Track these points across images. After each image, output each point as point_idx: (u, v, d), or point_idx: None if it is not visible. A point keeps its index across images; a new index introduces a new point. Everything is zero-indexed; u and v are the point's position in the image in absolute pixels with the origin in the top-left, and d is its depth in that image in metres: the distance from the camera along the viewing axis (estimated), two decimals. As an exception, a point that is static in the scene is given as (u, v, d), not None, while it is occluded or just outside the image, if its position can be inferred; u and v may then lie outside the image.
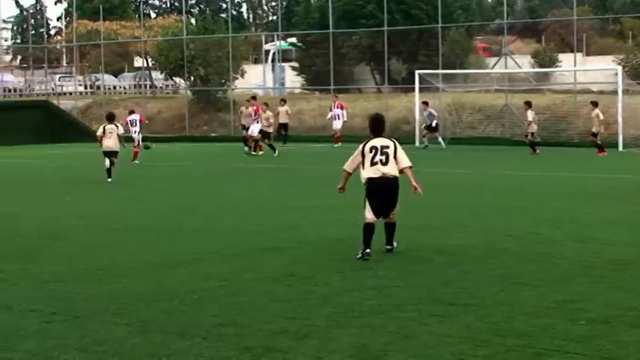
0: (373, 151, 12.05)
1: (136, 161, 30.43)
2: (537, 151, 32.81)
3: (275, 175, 25.93)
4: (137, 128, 33.16)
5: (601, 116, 32.77)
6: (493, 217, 15.91)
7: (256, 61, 68.84)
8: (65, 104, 54.18)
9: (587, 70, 47.55)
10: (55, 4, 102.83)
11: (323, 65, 52.21)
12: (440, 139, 37.42)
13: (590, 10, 72.99)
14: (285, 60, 65.11)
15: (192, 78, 51.90)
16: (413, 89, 40.43)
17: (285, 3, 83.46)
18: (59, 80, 66.41)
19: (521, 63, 46.53)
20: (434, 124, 37.43)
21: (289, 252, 12.56)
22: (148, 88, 64.09)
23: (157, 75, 62.47)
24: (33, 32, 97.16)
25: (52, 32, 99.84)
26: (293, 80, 62.38)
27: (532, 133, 33.58)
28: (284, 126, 39.89)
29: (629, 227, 14.62)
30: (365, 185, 12.10)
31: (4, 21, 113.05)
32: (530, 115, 33.50)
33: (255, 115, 33.50)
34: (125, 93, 64.09)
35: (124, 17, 79.97)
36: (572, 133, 38.64)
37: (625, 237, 13.61)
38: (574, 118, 39.21)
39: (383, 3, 46.47)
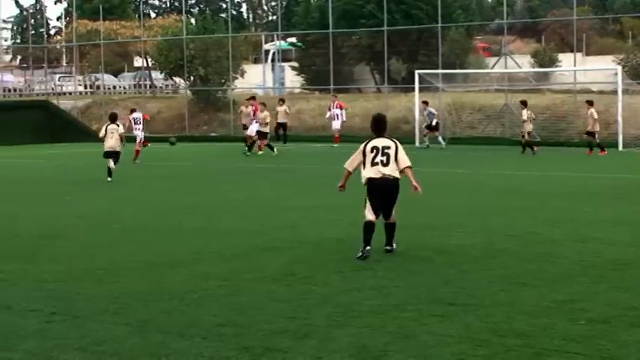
0: (374, 151, 12.05)
1: (137, 160, 30.44)
2: (536, 150, 32.76)
3: (275, 175, 25.93)
4: (141, 126, 33.17)
5: (595, 115, 32.91)
6: (493, 217, 15.91)
7: (256, 61, 68.86)
8: (65, 104, 54.18)
9: (586, 70, 47.57)
10: (55, 3, 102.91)
11: (323, 65, 52.22)
12: (440, 138, 37.43)
13: (590, 10, 73.00)
14: (284, 60, 65.12)
15: (192, 78, 51.92)
16: (413, 89, 40.43)
17: (284, 3, 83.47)
18: (59, 80, 66.45)
19: (521, 63, 46.53)
20: (434, 122, 37.45)
21: (289, 252, 12.56)
22: (148, 87, 64.10)
23: (156, 75, 62.51)
24: (33, 32, 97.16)
25: (52, 32, 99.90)
26: (293, 80, 62.40)
27: (528, 133, 33.64)
28: (282, 125, 39.83)
29: (629, 227, 14.62)
30: (365, 185, 12.11)
31: (4, 21, 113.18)
32: (525, 114, 33.61)
33: (253, 116, 33.54)
34: (125, 93, 64.12)
35: (123, 17, 79.96)
36: (571, 133, 38.63)
37: (625, 237, 13.60)
38: (574, 118, 39.20)
39: (383, 3, 46.48)
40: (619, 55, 49.43)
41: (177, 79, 58.10)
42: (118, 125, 24.43)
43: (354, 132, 39.97)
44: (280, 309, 9.08)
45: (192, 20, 66.74)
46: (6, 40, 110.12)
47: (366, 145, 12.18)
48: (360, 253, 11.77)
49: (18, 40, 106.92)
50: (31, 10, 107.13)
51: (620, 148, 34.48)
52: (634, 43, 56.69)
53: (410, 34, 54.98)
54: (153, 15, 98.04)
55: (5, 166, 30.98)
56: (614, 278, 10.52)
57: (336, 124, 39.80)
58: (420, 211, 15.62)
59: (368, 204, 12.08)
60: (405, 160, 12.11)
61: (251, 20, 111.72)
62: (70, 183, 24.10)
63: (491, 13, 79.50)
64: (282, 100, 41.00)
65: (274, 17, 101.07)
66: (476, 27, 62.58)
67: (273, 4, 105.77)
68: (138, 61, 70.72)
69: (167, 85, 65.12)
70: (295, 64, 63.99)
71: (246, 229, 14.85)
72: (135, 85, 67.31)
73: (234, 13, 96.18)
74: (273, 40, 67.28)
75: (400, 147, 12.19)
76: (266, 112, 33.79)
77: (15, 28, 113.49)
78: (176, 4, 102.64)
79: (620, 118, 34.85)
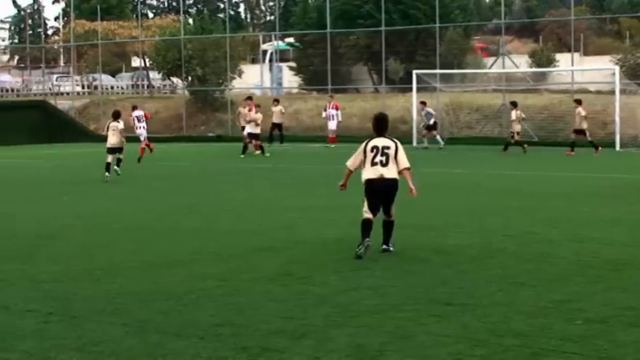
0: (374, 150, 12.09)
1: (140, 159, 30.53)
2: (526, 147, 33.17)
3: (272, 175, 25.93)
4: (143, 124, 33.13)
5: (582, 113, 33.05)
6: (490, 217, 15.91)
7: (254, 61, 68.81)
8: (62, 104, 54.13)
9: (584, 69, 47.58)
10: (53, 3, 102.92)
11: (320, 65, 52.19)
12: (438, 137, 37.46)
13: (587, 10, 73.01)
14: (282, 60, 65.08)
15: (189, 78, 51.89)
16: (410, 89, 40.45)
17: (282, 3, 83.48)
18: (56, 80, 66.41)
19: (518, 63, 46.55)
20: (431, 122, 37.47)
21: (286, 252, 12.56)
22: (146, 88, 64.06)
23: (154, 75, 62.46)
24: (30, 32, 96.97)
25: (50, 32, 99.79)
26: (290, 80, 62.36)
27: (517, 133, 33.96)
28: (278, 126, 39.73)
29: (627, 227, 14.63)
30: (364, 185, 12.14)
31: (2, 21, 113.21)
32: (514, 114, 33.94)
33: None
34: (123, 93, 64.06)
35: (121, 17, 79.89)
36: (569, 133, 38.51)
37: (622, 237, 13.61)
38: (571, 118, 39.14)
39: (380, 3, 46.49)
40: (616, 55, 49.39)
41: (174, 79, 58.07)
42: (119, 122, 24.60)
43: (352, 132, 39.99)
44: (278, 309, 9.08)
45: (190, 20, 66.72)
46: (3, 40, 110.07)
47: (366, 144, 12.21)
48: (361, 246, 11.76)
49: (15, 40, 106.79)
50: (28, 10, 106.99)
51: (618, 148, 34.52)
52: (631, 43, 56.66)
53: (407, 34, 54.97)
54: (150, 15, 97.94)
55: (3, 167, 30.98)
56: (612, 278, 10.53)
57: (332, 125, 39.74)
58: (418, 211, 15.63)
59: (366, 203, 12.13)
60: (404, 162, 12.12)
61: (249, 20, 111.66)
62: (67, 183, 24.10)
63: (489, 13, 79.48)
64: (276, 101, 40.84)
65: (272, 17, 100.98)
66: (474, 27, 62.53)
67: (271, 4, 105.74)
68: (135, 61, 70.71)
69: (165, 86, 65.09)
70: (293, 64, 63.96)
71: (243, 229, 14.85)
72: (132, 85, 67.27)
73: (232, 13, 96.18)
74: (270, 40, 67.28)
75: (400, 147, 12.20)
76: (259, 114, 33.67)
77: (12, 28, 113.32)
78: (174, 4, 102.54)
79: (617, 118, 34.90)
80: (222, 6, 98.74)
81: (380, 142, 12.17)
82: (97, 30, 59.79)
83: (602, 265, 11.34)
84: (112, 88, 66.92)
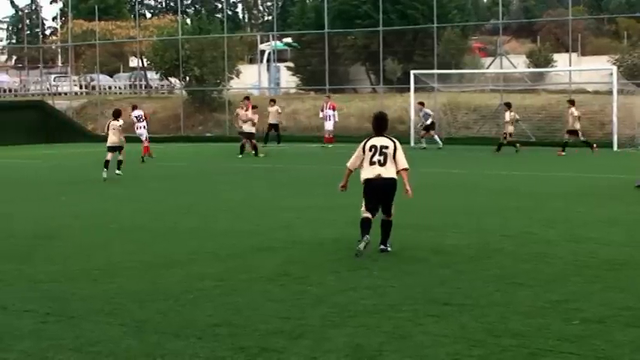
0: (372, 150, 12.09)
1: (144, 159, 30.53)
2: (519, 147, 33.52)
3: (270, 175, 25.92)
4: (144, 124, 33.09)
5: (575, 113, 33.15)
6: (488, 217, 15.92)
7: (251, 61, 68.87)
8: (60, 104, 54.11)
9: (582, 70, 47.61)
10: (51, 3, 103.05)
11: (318, 65, 52.20)
12: (436, 137, 37.49)
13: (585, 10, 73.06)
14: (280, 60, 65.08)
15: (187, 78, 51.87)
16: (408, 89, 40.44)
17: (280, 3, 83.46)
18: (54, 80, 66.39)
19: (516, 63, 46.58)
20: (429, 122, 37.49)
21: (284, 252, 12.56)
22: (143, 88, 64.05)
23: (152, 75, 62.42)
24: (28, 32, 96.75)
25: (48, 32, 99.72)
26: (288, 80, 62.38)
27: (510, 134, 34.28)
28: (274, 126, 39.67)
29: (624, 227, 14.64)
30: (363, 185, 12.15)
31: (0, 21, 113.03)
32: (507, 115, 34.25)
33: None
34: (120, 93, 64.04)
35: (119, 17, 79.78)
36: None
37: (620, 237, 13.62)
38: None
39: (378, 3, 46.49)
40: (614, 56, 49.44)
41: (172, 80, 58.05)
42: (119, 121, 24.85)
43: (350, 132, 40.01)
44: (276, 309, 9.09)
45: (188, 20, 66.81)
46: (1, 41, 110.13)
47: (365, 143, 12.22)
48: (360, 243, 11.76)
49: (13, 41, 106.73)
50: (26, 10, 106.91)
51: (615, 148, 34.54)
52: (629, 44, 56.73)
53: (405, 35, 55.01)
54: (148, 15, 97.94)
55: (0, 167, 30.96)
56: (609, 278, 10.54)
57: (329, 125, 39.74)
58: (416, 211, 15.63)
59: (364, 203, 12.15)
60: (402, 162, 12.12)
61: (246, 20, 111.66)
62: (65, 183, 24.10)
63: (487, 13, 79.51)
64: (272, 101, 40.71)
65: (270, 17, 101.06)
66: (471, 27, 62.63)
67: (269, 4, 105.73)
68: (133, 62, 70.65)
69: (162, 86, 65.05)
70: (291, 65, 63.98)
71: (241, 229, 14.85)
72: (130, 85, 67.26)
73: (230, 13, 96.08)
74: (268, 41, 67.24)
75: (399, 147, 12.19)
76: (256, 115, 33.60)
77: (10, 28, 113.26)
78: (171, 4, 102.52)
79: (615, 119, 34.92)
80: (219, 6, 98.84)
81: (379, 141, 12.18)
82: (95, 30, 59.72)
83: (600, 265, 11.35)
84: (110, 88, 66.91)
